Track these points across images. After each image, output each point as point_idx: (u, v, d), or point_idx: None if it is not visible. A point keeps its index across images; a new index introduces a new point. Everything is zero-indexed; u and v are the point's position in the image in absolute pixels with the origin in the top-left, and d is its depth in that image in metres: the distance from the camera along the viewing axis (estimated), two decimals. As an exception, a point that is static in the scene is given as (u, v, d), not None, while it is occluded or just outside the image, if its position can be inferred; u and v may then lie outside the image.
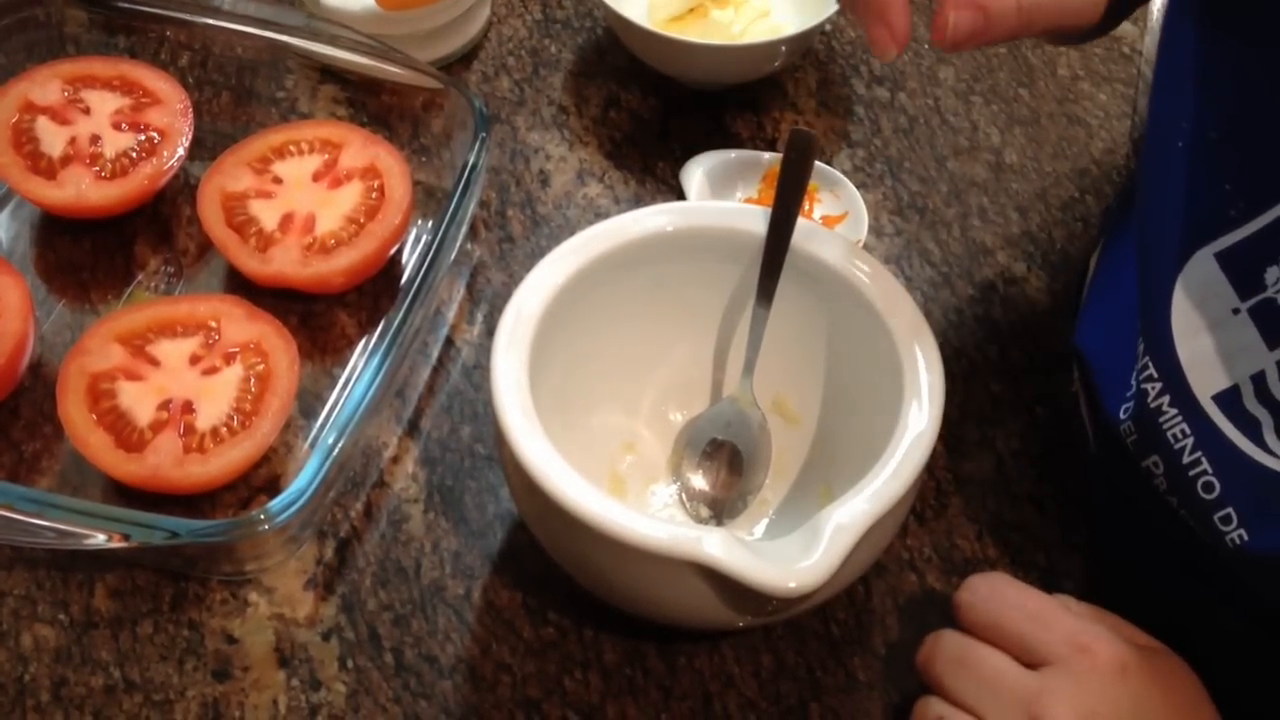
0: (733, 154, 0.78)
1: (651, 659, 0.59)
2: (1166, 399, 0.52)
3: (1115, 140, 0.83)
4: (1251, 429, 0.50)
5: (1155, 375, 0.53)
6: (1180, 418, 0.52)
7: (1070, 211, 0.79)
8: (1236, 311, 0.50)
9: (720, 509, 0.62)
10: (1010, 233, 0.78)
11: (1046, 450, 0.67)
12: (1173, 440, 0.52)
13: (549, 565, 0.57)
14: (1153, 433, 0.53)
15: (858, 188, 0.76)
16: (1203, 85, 0.51)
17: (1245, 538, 0.50)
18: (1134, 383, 0.55)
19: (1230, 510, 0.50)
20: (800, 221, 0.59)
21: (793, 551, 0.48)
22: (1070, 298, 0.74)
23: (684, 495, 0.63)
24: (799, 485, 0.63)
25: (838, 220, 0.75)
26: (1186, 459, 0.52)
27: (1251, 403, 0.50)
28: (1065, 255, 0.77)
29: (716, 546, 0.47)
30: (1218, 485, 0.51)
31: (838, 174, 0.76)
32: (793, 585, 0.47)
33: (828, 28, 0.87)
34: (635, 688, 0.59)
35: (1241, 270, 0.50)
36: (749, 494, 0.62)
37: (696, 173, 0.76)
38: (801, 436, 0.63)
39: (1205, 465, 0.51)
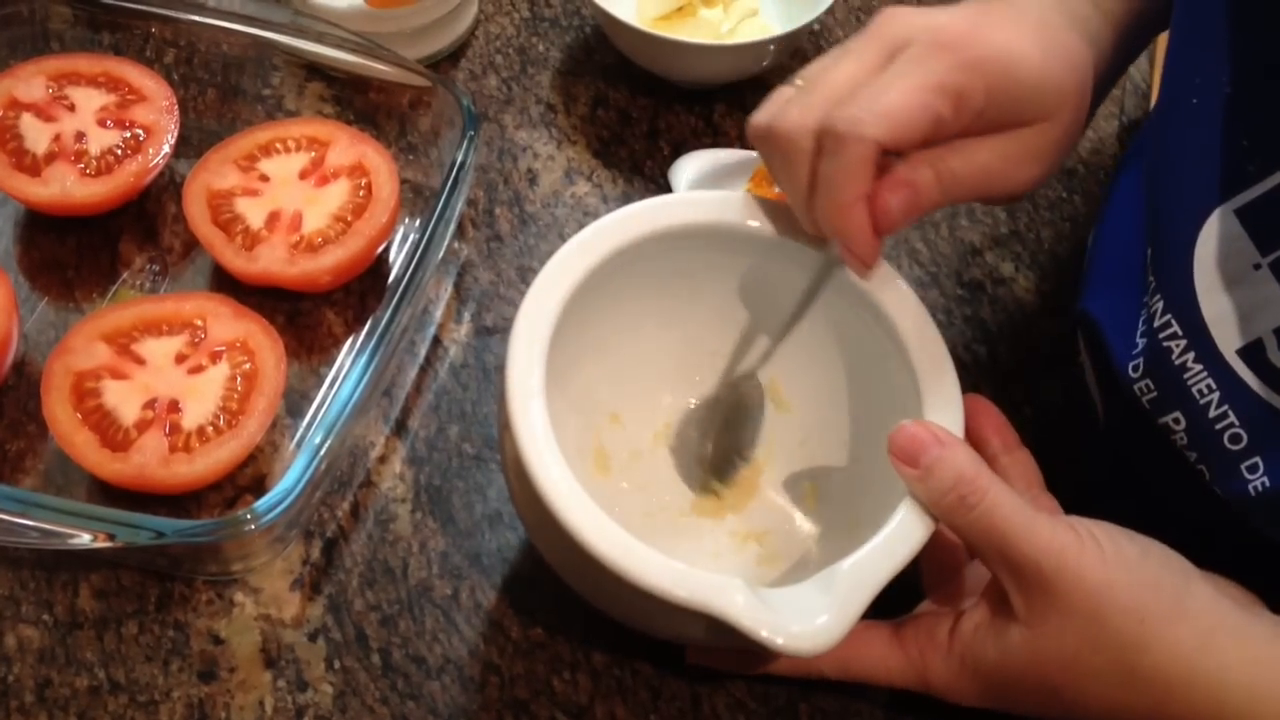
0: (721, 153, 0.78)
1: (640, 660, 0.59)
2: (1191, 355, 0.53)
3: (1103, 141, 0.83)
4: (1276, 381, 0.51)
5: (1179, 332, 0.53)
6: (1205, 373, 0.53)
7: (1058, 211, 0.79)
8: (1258, 267, 0.50)
9: (713, 469, 0.62)
10: (998, 233, 0.78)
11: (1036, 450, 0.67)
12: (1198, 396, 0.53)
13: (538, 566, 0.57)
14: (1175, 389, 0.54)
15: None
16: (1218, 41, 0.51)
17: (1268, 484, 0.51)
18: (1141, 340, 0.56)
19: (1258, 459, 0.51)
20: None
21: (805, 604, 0.48)
22: (1059, 297, 0.74)
23: (679, 456, 0.62)
24: (787, 473, 0.63)
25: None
26: (1213, 413, 0.53)
27: (1276, 355, 0.51)
28: (1053, 255, 0.77)
29: (731, 603, 0.47)
30: (1245, 436, 0.52)
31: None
32: (804, 646, 0.46)
33: (816, 27, 0.87)
34: (624, 688, 0.59)
35: (1262, 225, 0.50)
36: (739, 455, 0.62)
37: (685, 172, 0.76)
38: (790, 424, 0.63)
39: (1232, 418, 0.52)
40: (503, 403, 0.52)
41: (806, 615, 0.47)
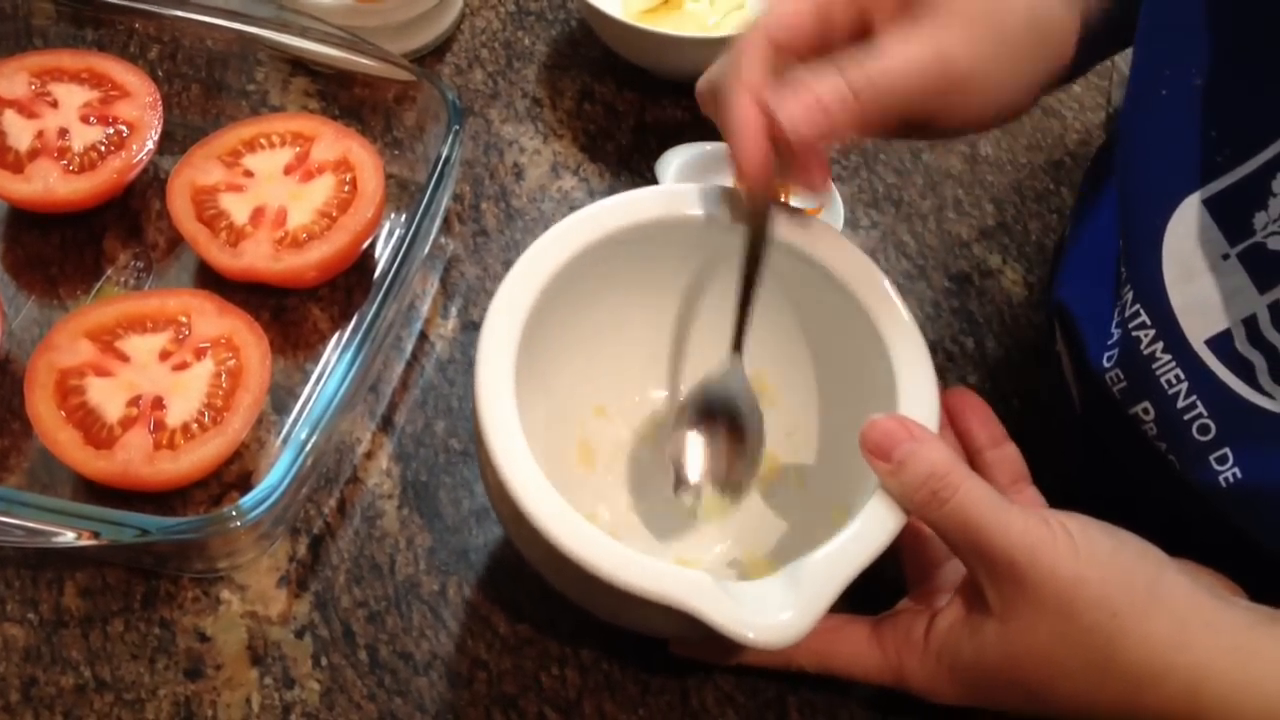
0: (708, 146, 0.77)
1: (629, 654, 0.59)
2: (1160, 345, 0.53)
3: (1090, 132, 0.83)
4: (1245, 371, 0.51)
5: (1148, 322, 0.53)
6: (1174, 363, 0.52)
7: (1045, 203, 0.79)
8: (1226, 257, 0.50)
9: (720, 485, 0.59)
10: (986, 225, 0.78)
11: (1024, 442, 0.67)
12: (1166, 386, 0.53)
13: (524, 561, 0.57)
14: (1144, 379, 0.54)
15: (833, 180, 0.76)
16: (1185, 32, 0.51)
17: (1239, 475, 0.51)
18: (1116, 330, 0.56)
19: (1226, 450, 0.51)
20: (788, 207, 0.58)
21: (773, 598, 0.48)
22: (1046, 289, 0.74)
23: (680, 474, 0.58)
24: (773, 465, 0.63)
25: (813, 214, 0.75)
26: (1181, 403, 0.52)
27: (1244, 346, 0.50)
28: (1040, 247, 0.77)
29: (697, 595, 0.47)
30: (1213, 427, 0.52)
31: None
32: (768, 639, 0.47)
33: (803, 20, 0.86)
34: (612, 683, 0.58)
35: (1230, 216, 0.50)
36: (746, 475, 0.58)
37: (672, 165, 0.76)
38: (777, 416, 0.63)
39: (1201, 409, 0.52)
40: (474, 401, 0.52)
41: (773, 609, 0.47)
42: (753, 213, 0.55)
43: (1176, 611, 0.47)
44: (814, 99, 0.50)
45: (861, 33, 0.54)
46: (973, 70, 0.52)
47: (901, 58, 0.51)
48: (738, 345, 0.57)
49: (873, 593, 0.55)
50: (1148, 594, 0.47)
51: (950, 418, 0.59)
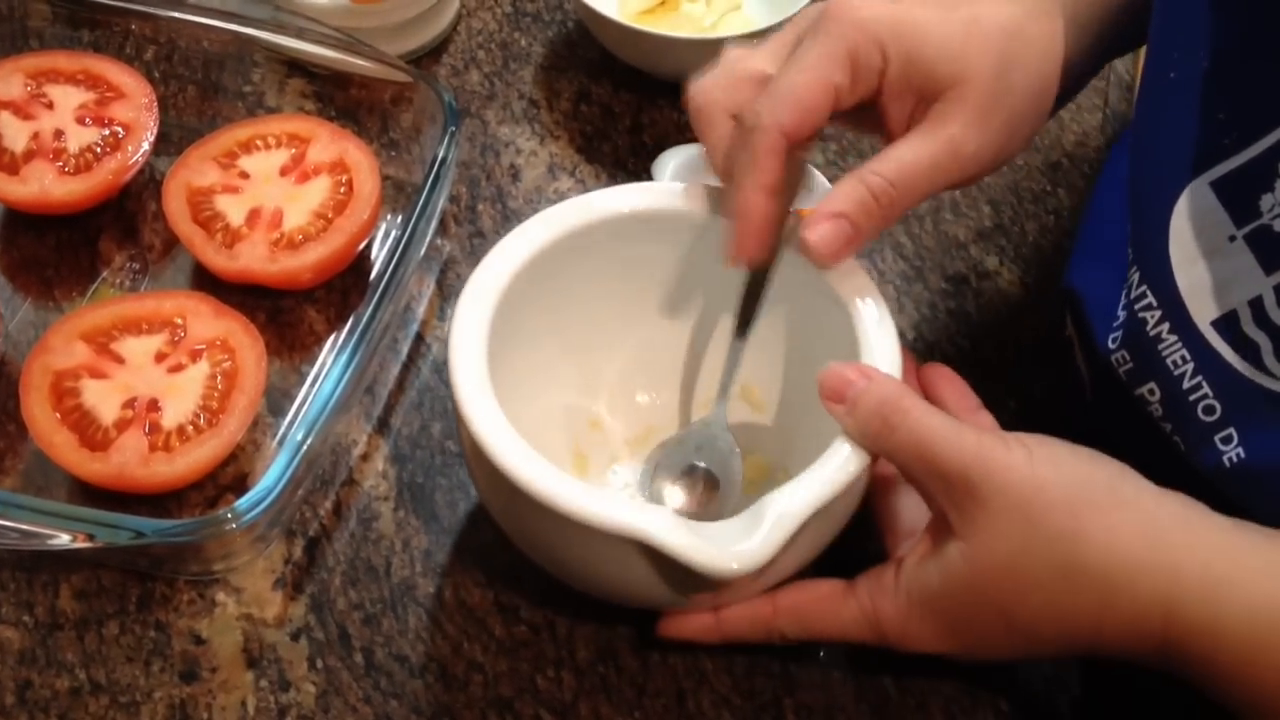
0: (704, 148, 0.77)
1: (625, 656, 0.59)
2: (1165, 326, 0.53)
3: (1087, 133, 0.83)
4: (1250, 352, 0.51)
5: (1154, 304, 0.54)
6: (1180, 344, 0.53)
7: (1042, 205, 0.79)
8: (1233, 239, 0.51)
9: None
10: (983, 226, 0.78)
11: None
12: (1172, 366, 0.53)
13: (521, 563, 0.57)
14: (1150, 360, 0.54)
15: (830, 182, 0.76)
16: (1195, 15, 0.51)
17: (1244, 455, 0.51)
18: (1122, 312, 0.56)
19: (1231, 430, 0.52)
20: None
21: (736, 533, 0.48)
22: (1043, 291, 0.74)
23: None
24: (761, 466, 0.63)
25: (806, 214, 0.74)
26: (1187, 384, 0.53)
27: (1250, 327, 0.51)
28: (1037, 248, 0.77)
29: (659, 527, 0.47)
30: (1219, 407, 0.52)
31: (809, 168, 0.76)
32: (734, 567, 0.47)
33: (799, 21, 0.86)
34: (608, 685, 0.58)
35: (1237, 198, 0.50)
36: (722, 516, 0.60)
37: (668, 166, 0.76)
38: (764, 422, 0.63)
39: (1206, 389, 0.52)
40: (449, 358, 0.53)
41: (737, 539, 0.48)
42: (751, 279, 0.57)
43: (1142, 509, 0.47)
44: (842, 216, 0.53)
45: (865, 104, 0.55)
46: (982, 149, 0.54)
47: (917, 158, 0.53)
48: (724, 391, 0.58)
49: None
50: (1109, 492, 0.48)
51: (924, 389, 0.60)
